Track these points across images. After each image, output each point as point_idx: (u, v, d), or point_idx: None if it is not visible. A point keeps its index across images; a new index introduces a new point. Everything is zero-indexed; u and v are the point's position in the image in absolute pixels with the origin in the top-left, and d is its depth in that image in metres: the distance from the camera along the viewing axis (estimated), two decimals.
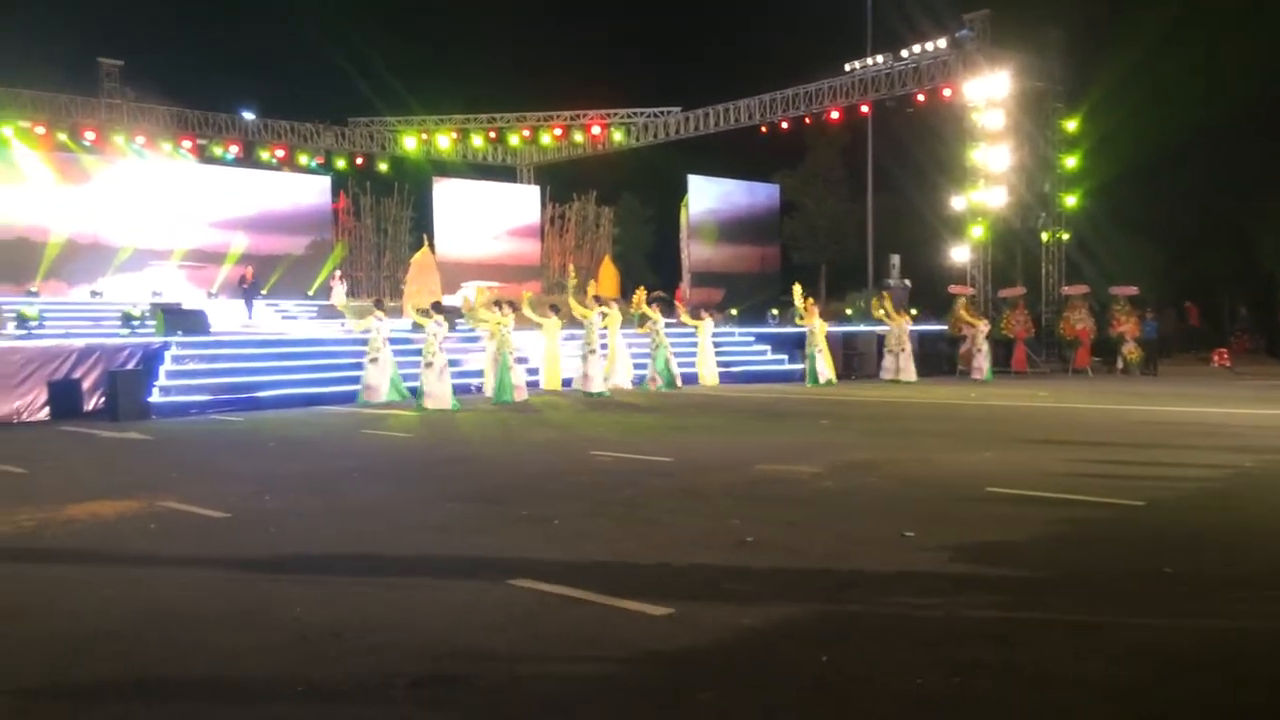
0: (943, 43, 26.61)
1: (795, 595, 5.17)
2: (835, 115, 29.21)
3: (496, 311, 17.36)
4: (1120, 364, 24.26)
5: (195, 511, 7.61)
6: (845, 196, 43.88)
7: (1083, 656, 4.23)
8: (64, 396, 15.63)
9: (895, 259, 28.68)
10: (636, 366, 20.32)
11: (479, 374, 18.43)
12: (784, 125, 30.03)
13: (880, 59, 28.00)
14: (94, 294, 25.22)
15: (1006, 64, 25.89)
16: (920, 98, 27.52)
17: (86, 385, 15.88)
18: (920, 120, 30.50)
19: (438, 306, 17.30)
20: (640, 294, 20.40)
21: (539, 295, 25.32)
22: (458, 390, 16.72)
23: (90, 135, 28.11)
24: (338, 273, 29.88)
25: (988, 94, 25.95)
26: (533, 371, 19.01)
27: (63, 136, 27.95)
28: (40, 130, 27.46)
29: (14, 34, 35.64)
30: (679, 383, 19.87)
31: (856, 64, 28.40)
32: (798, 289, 22.12)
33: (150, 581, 5.72)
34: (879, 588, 5.28)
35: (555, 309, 19.92)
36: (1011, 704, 3.78)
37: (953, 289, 26.34)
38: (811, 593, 5.21)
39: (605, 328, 18.87)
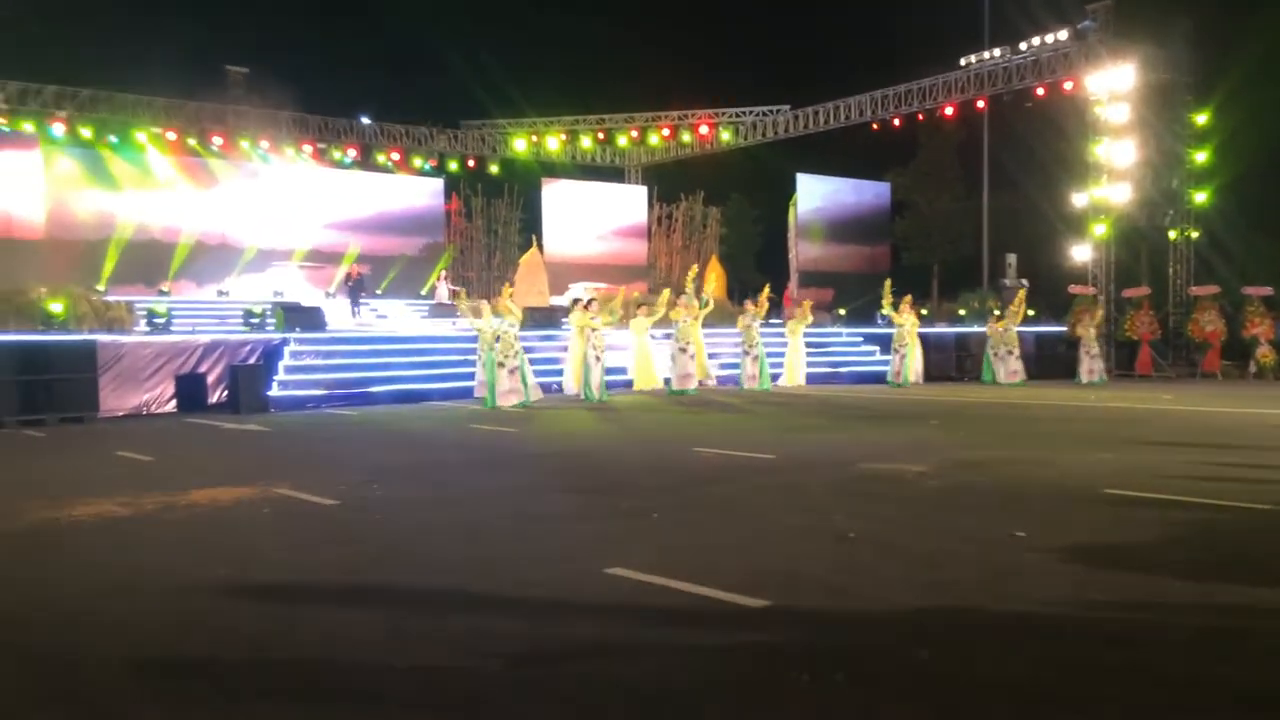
0: (1064, 35, 25.70)
1: (897, 591, 5.03)
2: (950, 111, 28.48)
3: (589, 309, 17.58)
4: (1253, 368, 23.12)
5: (307, 499, 7.84)
6: (959, 195, 42.77)
7: (1210, 660, 4.02)
8: (189, 390, 16.34)
9: (1011, 258, 27.87)
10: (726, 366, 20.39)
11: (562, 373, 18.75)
12: (896, 122, 29.38)
13: (998, 52, 27.18)
14: (220, 293, 26.25)
15: (1131, 56, 24.88)
16: (1040, 92, 26.56)
17: (211, 379, 16.57)
18: (1039, 115, 29.50)
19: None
20: (765, 291, 20.55)
21: (645, 294, 25.49)
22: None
23: (218, 140, 29.19)
24: (445, 273, 30.56)
25: (1111, 87, 25.00)
26: (620, 370, 19.09)
27: (192, 142, 29.09)
28: (171, 136, 28.63)
29: (148, 45, 37.56)
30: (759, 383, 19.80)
31: (972, 58, 27.63)
32: (888, 284, 21.78)
33: (262, 562, 5.92)
34: (985, 586, 5.09)
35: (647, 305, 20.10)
36: (1133, 704, 3.59)
37: (1073, 289, 25.51)
38: (914, 589, 5.06)
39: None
